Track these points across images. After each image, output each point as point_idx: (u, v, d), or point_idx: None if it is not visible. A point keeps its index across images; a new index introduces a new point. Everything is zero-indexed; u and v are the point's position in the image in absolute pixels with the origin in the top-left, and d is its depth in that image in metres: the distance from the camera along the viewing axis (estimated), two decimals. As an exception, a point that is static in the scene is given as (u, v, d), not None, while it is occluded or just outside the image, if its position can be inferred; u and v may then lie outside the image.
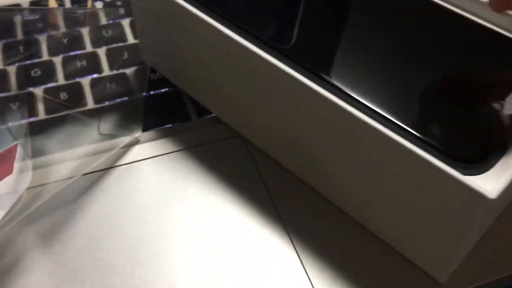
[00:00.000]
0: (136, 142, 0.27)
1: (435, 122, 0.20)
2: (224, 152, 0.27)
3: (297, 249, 0.23)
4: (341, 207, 0.24)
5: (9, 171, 0.20)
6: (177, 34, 0.26)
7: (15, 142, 0.20)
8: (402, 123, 0.19)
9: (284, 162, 0.26)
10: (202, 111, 0.29)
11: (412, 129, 0.19)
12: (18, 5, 0.34)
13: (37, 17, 0.33)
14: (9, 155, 0.19)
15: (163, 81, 0.30)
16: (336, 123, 0.21)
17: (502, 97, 0.20)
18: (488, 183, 0.18)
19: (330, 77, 0.21)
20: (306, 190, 0.25)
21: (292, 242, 0.23)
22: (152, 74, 0.30)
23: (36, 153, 0.26)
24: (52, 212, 0.24)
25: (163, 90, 0.30)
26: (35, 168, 0.25)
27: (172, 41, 0.27)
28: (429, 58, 0.22)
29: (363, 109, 0.20)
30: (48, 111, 0.28)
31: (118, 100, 0.29)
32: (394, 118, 0.20)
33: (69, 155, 0.26)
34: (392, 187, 0.21)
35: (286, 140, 0.24)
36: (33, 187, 0.24)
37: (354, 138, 0.21)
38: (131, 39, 0.32)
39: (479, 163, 0.19)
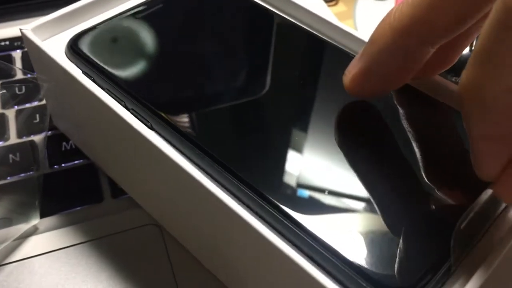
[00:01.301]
0: (34, 231, 0.23)
1: (357, 242, 0.16)
2: (137, 243, 0.23)
3: None
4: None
5: None
6: (80, 107, 0.23)
7: None
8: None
9: (197, 255, 0.22)
10: (117, 190, 0.25)
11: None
12: None
13: None
14: None
15: (76, 152, 0.26)
16: (239, 231, 0.17)
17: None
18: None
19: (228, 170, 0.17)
20: (214, 282, 0.21)
21: None
22: (64, 143, 0.27)
23: None
24: None
25: (75, 162, 0.26)
26: None
27: (77, 113, 0.23)
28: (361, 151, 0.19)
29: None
30: None
31: (19, 176, 0.25)
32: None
33: None
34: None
35: (197, 235, 0.21)
36: None
37: (256, 250, 0.17)
38: (46, 98, 0.29)
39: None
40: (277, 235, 0.16)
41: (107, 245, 0.23)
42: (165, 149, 0.18)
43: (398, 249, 0.16)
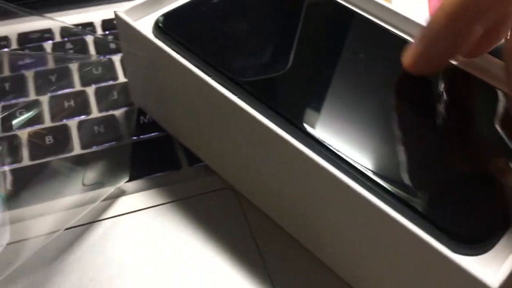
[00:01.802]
0: (122, 193, 0.26)
1: (433, 195, 0.19)
2: (215, 204, 0.26)
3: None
4: (334, 269, 0.23)
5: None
6: (166, 81, 0.25)
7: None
8: (398, 195, 0.18)
9: (279, 221, 0.25)
10: (193, 159, 0.27)
11: (409, 202, 0.18)
12: (5, 38, 0.33)
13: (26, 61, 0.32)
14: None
15: (152, 125, 0.29)
16: (331, 192, 0.20)
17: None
18: (489, 267, 0.17)
19: (327, 142, 0.20)
20: (299, 250, 0.24)
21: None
22: (141, 117, 0.29)
23: (14, 204, 0.24)
24: (32, 272, 0.23)
25: (152, 134, 0.29)
26: (13, 222, 0.24)
27: (161, 87, 0.26)
28: (432, 120, 0.21)
29: (359, 179, 0.19)
30: (32, 156, 0.27)
31: (106, 145, 0.28)
32: (390, 189, 0.19)
33: (49, 207, 0.25)
34: (387, 260, 0.20)
35: (280, 200, 0.23)
36: (12, 243, 0.23)
37: (348, 208, 0.20)
38: (121, 78, 0.31)
39: (481, 243, 0.18)
40: (373, 195, 0.18)
41: (188, 206, 0.26)
42: (255, 112, 0.21)
43: (470, 205, 0.18)
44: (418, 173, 0.20)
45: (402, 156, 0.20)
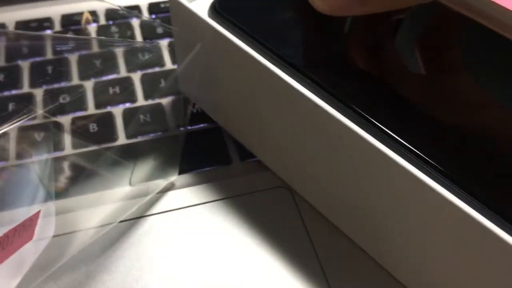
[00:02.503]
0: (171, 187, 0.24)
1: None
2: (268, 204, 0.24)
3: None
4: (396, 276, 0.21)
5: (30, 238, 0.17)
6: (222, 68, 0.23)
7: (38, 210, 0.18)
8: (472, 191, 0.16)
9: (337, 222, 0.23)
10: (245, 153, 0.26)
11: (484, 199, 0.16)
12: (49, 19, 0.32)
13: (68, 46, 0.30)
14: (29, 223, 0.17)
15: (200, 116, 0.27)
16: (403, 189, 0.18)
17: None
18: None
19: (399, 135, 0.18)
20: (357, 252, 0.22)
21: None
22: (189, 107, 0.27)
23: (59, 195, 0.23)
24: (74, 269, 0.21)
25: (200, 125, 0.27)
26: (58, 213, 0.22)
27: (215, 75, 0.24)
28: None
29: (433, 174, 0.17)
30: (75, 145, 0.25)
31: (152, 135, 0.26)
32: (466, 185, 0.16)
33: (98, 199, 0.23)
34: (459, 263, 0.17)
35: (341, 200, 0.21)
36: (58, 235, 0.21)
37: (421, 208, 0.17)
38: (169, 64, 0.30)
39: None
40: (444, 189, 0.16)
41: (240, 204, 0.24)
42: (322, 103, 0.19)
43: None
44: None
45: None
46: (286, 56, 0.20)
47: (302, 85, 0.19)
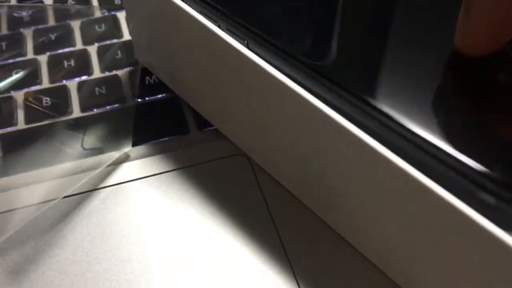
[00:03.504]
0: (125, 158, 0.24)
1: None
2: (226, 172, 0.23)
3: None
4: (357, 248, 0.20)
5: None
6: (173, 35, 0.22)
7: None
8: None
9: (294, 191, 0.22)
10: (203, 122, 0.25)
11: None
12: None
13: (24, 13, 0.29)
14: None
15: (158, 86, 0.26)
16: (366, 161, 0.17)
17: None
18: None
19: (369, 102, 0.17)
20: (313, 218, 0.21)
21: (297, 282, 0.20)
22: (147, 77, 0.27)
23: (7, 170, 0.22)
24: (22, 244, 0.21)
25: (158, 96, 0.26)
26: (4, 189, 0.22)
27: (167, 42, 0.23)
28: None
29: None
30: (28, 120, 0.25)
31: (107, 107, 0.25)
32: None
33: (46, 174, 0.22)
34: (424, 241, 0.17)
35: (298, 167, 0.21)
36: (1, 212, 0.21)
37: (386, 183, 0.17)
38: (126, 35, 0.29)
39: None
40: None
41: (197, 173, 0.23)
42: (267, 66, 0.18)
43: None
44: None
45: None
46: (233, 16, 0.19)
47: (247, 47, 0.19)
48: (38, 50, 0.28)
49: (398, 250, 0.18)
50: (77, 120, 0.25)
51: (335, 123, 0.16)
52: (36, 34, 0.28)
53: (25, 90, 0.26)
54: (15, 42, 0.28)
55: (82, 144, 0.23)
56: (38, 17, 0.29)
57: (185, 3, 0.20)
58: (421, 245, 0.17)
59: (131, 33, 0.27)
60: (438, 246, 0.16)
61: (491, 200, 0.14)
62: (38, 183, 0.22)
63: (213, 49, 0.20)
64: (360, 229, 0.20)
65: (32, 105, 0.25)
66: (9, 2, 0.31)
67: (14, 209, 0.20)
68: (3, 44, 0.28)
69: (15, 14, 0.29)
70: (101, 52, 0.28)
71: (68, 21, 0.29)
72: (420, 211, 0.16)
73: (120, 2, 0.30)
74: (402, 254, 0.18)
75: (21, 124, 0.24)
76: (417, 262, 0.17)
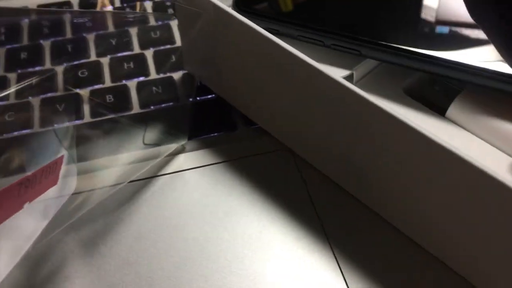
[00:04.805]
0: (181, 150, 0.26)
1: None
2: (271, 165, 0.26)
3: (346, 278, 0.22)
4: (400, 228, 0.23)
5: (54, 182, 0.19)
6: (223, 42, 0.25)
7: (61, 153, 0.20)
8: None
9: (337, 181, 0.24)
10: (249, 120, 0.27)
11: None
12: (68, 3, 0.34)
13: (86, 19, 0.32)
14: (54, 166, 0.19)
15: (208, 87, 0.29)
16: (410, 148, 0.19)
17: None
18: None
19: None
20: (358, 209, 0.24)
21: (340, 269, 0.22)
22: (197, 80, 0.29)
23: (80, 157, 0.25)
24: (93, 221, 0.23)
25: (208, 96, 0.29)
26: (79, 173, 0.25)
27: (217, 50, 0.26)
28: None
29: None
30: (93, 114, 0.28)
31: (164, 105, 0.28)
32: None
33: (113, 162, 0.25)
34: (466, 217, 0.19)
35: (341, 159, 0.23)
36: (77, 193, 0.24)
37: (430, 165, 0.19)
38: (179, 42, 0.32)
39: None
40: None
41: (245, 165, 0.26)
42: (321, 67, 0.20)
43: None
44: None
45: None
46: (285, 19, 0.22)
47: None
48: (100, 53, 0.31)
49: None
50: (138, 115, 0.27)
51: (401, 123, 0.18)
52: (97, 39, 0.31)
53: (90, 88, 0.29)
54: (79, 45, 0.31)
55: (144, 137, 0.26)
56: (99, 23, 0.32)
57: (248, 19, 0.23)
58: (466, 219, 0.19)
59: (181, 43, 0.29)
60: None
61: None
62: (107, 169, 0.25)
63: (278, 62, 0.22)
64: (397, 209, 0.22)
65: (96, 101, 0.28)
66: (72, 8, 0.34)
67: (89, 190, 0.23)
68: (69, 46, 0.31)
69: (75, 21, 0.33)
70: (156, 56, 0.31)
71: (126, 28, 0.32)
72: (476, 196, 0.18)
73: (173, 12, 0.33)
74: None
75: (87, 118, 0.27)
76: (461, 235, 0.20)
